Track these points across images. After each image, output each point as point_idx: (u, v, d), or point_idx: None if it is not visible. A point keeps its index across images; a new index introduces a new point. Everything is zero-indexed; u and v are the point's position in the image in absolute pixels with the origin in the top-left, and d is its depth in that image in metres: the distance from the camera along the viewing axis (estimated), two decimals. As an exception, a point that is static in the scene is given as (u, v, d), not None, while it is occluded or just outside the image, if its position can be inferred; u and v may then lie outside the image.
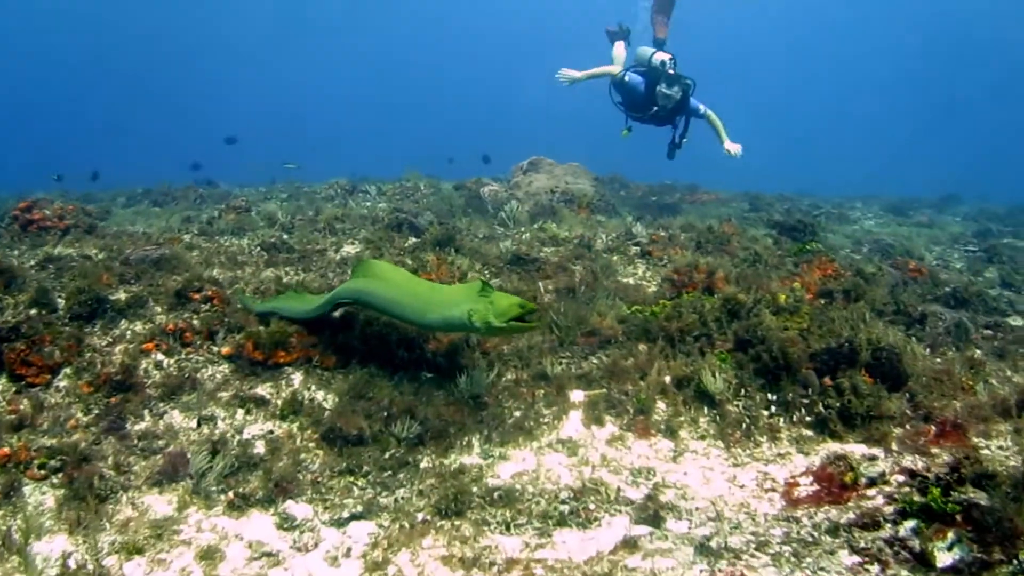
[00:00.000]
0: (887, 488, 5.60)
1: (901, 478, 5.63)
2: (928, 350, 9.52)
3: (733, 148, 12.80)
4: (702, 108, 12.78)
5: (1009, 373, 9.41)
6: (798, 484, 5.94)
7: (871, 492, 5.59)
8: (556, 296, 9.11)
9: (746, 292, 8.63)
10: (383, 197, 19.93)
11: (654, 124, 12.97)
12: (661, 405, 7.12)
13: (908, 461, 6.09)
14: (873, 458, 6.34)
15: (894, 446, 6.57)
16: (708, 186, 25.67)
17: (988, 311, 12.22)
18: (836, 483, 5.78)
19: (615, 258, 11.50)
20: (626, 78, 12.70)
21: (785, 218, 15.35)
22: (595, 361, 7.75)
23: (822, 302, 9.46)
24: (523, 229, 13.12)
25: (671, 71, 12.17)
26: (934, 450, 6.33)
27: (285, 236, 11.68)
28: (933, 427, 6.72)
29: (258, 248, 10.95)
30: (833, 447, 6.71)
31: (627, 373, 7.42)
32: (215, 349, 7.37)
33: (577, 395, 7.20)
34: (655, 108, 12.59)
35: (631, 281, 10.50)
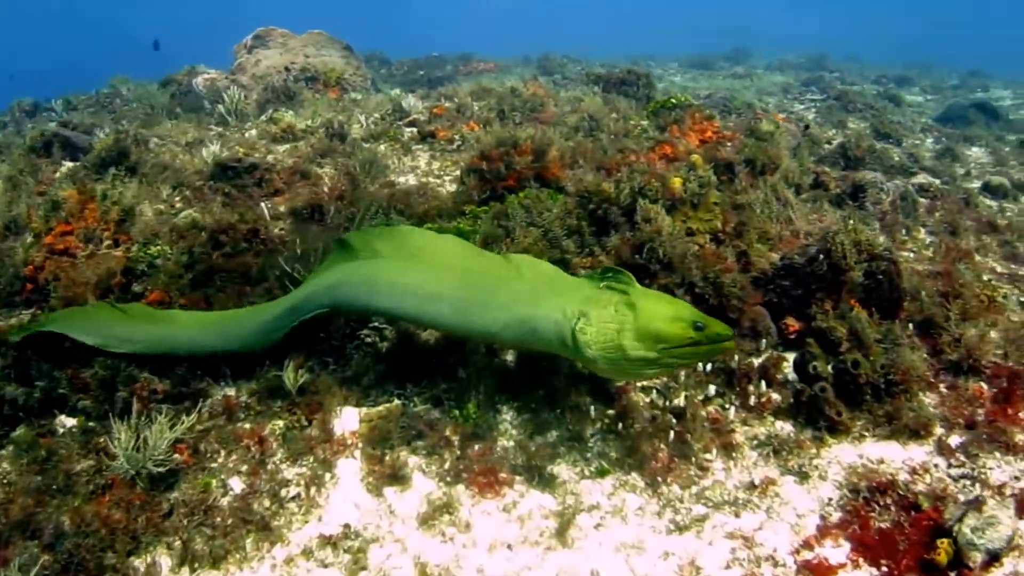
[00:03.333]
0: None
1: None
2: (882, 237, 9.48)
3: None
4: None
5: (1014, 266, 9.77)
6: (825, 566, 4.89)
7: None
8: (292, 223, 8.64)
9: (610, 180, 7.97)
10: (74, 113, 19.30)
11: None
12: (509, 416, 6.26)
13: (1002, 473, 5.53)
14: (957, 484, 5.57)
15: (952, 439, 5.97)
16: (484, 54, 28.16)
17: (889, 170, 13.17)
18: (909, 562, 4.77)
19: (383, 148, 11.32)
20: None
21: (609, 71, 15.54)
22: (369, 341, 6.89)
23: (722, 181, 9.26)
24: (249, 125, 13.57)
25: None
26: (1018, 437, 5.84)
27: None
28: (985, 385, 6.42)
29: None
30: (847, 454, 5.93)
31: (431, 361, 6.63)
32: None
33: (348, 420, 6.10)
34: None
35: (412, 180, 10.14)
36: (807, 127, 14.07)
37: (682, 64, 29.46)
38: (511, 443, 5.91)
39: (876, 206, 10.33)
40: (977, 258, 9.61)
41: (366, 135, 11.80)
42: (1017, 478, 5.40)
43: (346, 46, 18.54)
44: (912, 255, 9.28)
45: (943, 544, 4.58)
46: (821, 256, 6.79)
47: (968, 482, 5.40)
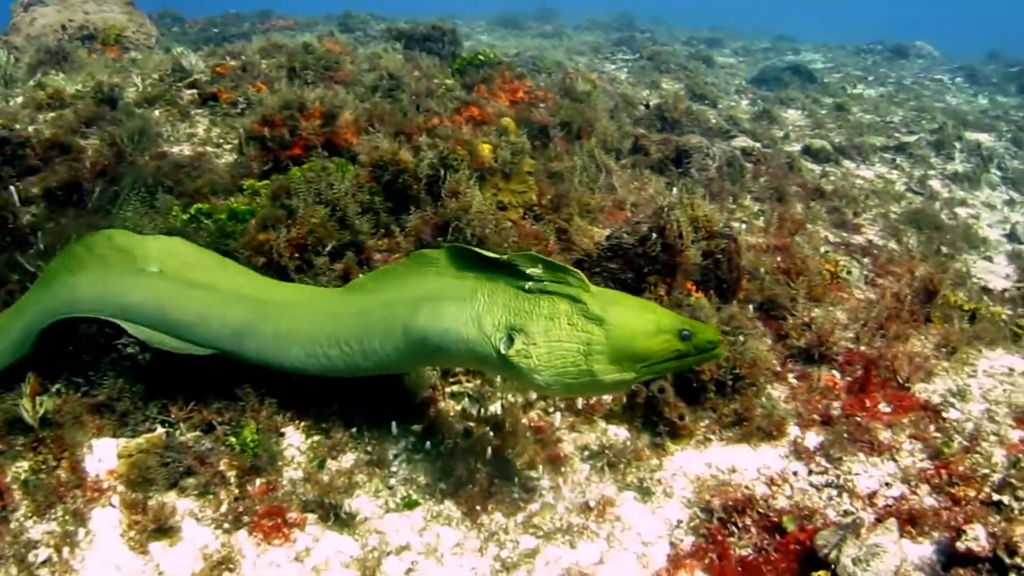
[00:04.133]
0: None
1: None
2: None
3: None
4: None
5: (845, 234, 10.07)
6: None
7: None
8: (45, 208, 7.94)
9: (409, 147, 7.58)
10: None
11: None
12: (296, 440, 5.71)
13: (869, 479, 5.40)
14: (822, 496, 5.29)
15: (809, 438, 5.78)
16: (285, 11, 27.98)
17: (707, 132, 13.12)
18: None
19: (157, 114, 10.59)
20: None
21: (412, 26, 15.25)
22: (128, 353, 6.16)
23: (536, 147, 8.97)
24: (19, 90, 12.46)
25: None
26: (882, 435, 5.79)
27: None
28: (837, 374, 6.39)
29: None
30: (693, 463, 5.62)
31: (200, 375, 5.98)
32: None
33: (104, 456, 5.50)
34: None
35: (186, 150, 9.52)
36: (647, 105, 14.01)
37: (489, 23, 29.73)
38: (300, 474, 5.37)
39: (702, 172, 10.25)
40: (808, 227, 9.62)
41: (140, 99, 11.03)
42: (888, 484, 5.16)
43: (129, 1, 18.06)
44: (743, 226, 9.10)
45: (820, 577, 4.14)
46: (654, 235, 6.47)
47: (834, 492, 5.15)
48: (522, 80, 10.50)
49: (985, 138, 17.84)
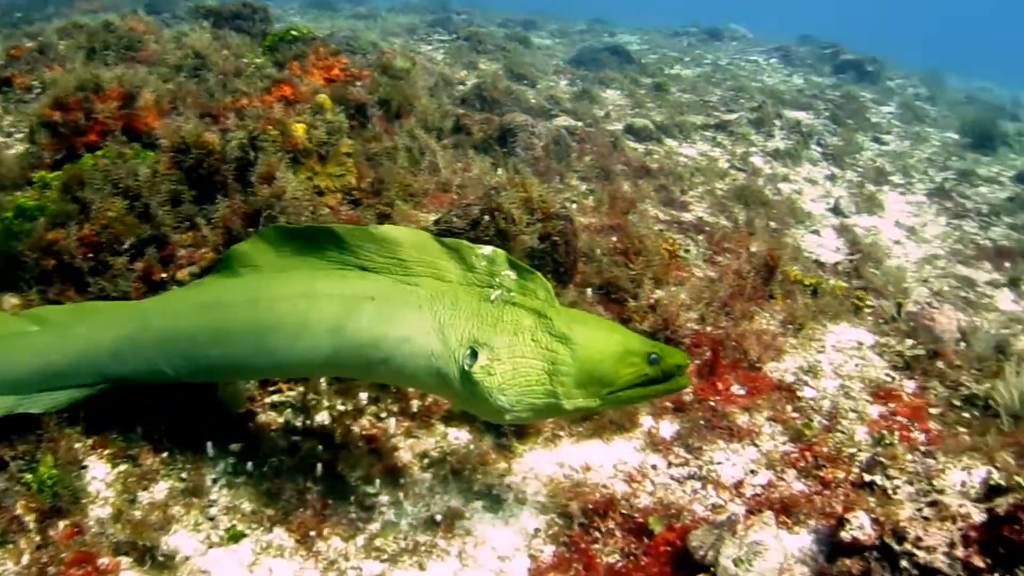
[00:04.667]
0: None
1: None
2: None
3: None
4: None
5: (675, 212, 10.06)
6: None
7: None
8: None
9: (216, 129, 7.03)
10: None
11: None
12: (100, 471, 5.04)
13: (733, 468, 5.23)
14: (686, 490, 5.05)
15: (663, 427, 5.54)
16: None
17: (527, 112, 12.68)
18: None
19: None
20: None
21: (221, 3, 14.45)
22: None
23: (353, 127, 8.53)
24: None
25: None
26: (739, 419, 5.70)
27: None
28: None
29: None
30: (544, 463, 5.25)
31: None
32: None
33: None
34: None
35: None
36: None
37: (302, 5, 28.69)
38: (108, 511, 4.79)
39: (528, 151, 9.95)
40: (639, 206, 9.54)
41: (-80, 91, 10.08)
42: (753, 471, 4.94)
43: None
44: (574, 206, 8.86)
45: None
46: (486, 218, 6.17)
47: (698, 484, 4.93)
48: (338, 57, 10.05)
49: (803, 116, 18.45)
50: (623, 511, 4.63)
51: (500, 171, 8.76)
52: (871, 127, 19.08)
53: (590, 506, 4.67)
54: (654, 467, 5.05)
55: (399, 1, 31.30)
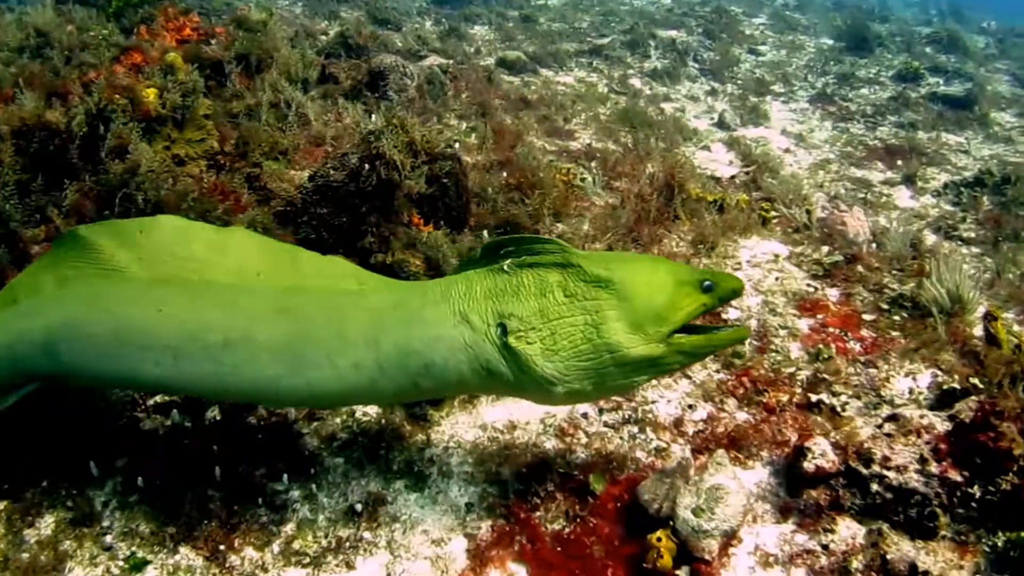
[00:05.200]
0: None
1: None
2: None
3: None
4: None
5: (561, 141, 10.01)
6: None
7: None
8: None
9: (62, 108, 6.47)
10: None
11: None
12: None
13: (669, 405, 4.93)
14: (623, 436, 4.73)
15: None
16: None
17: (396, 55, 11.94)
18: None
19: None
20: None
21: None
22: None
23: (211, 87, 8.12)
24: None
25: None
26: None
27: None
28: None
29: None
30: (464, 428, 4.89)
31: None
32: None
33: None
34: None
35: None
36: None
37: None
38: None
39: (401, 94, 9.47)
40: (525, 138, 9.14)
41: None
42: (691, 407, 4.59)
43: None
44: (457, 145, 8.40)
45: (662, 541, 3.48)
46: (366, 167, 5.64)
47: (635, 429, 4.54)
48: (189, 16, 9.44)
49: (676, 34, 18.33)
50: (560, 470, 4.24)
51: (375, 116, 8.23)
52: (746, 39, 19.06)
53: (523, 469, 4.28)
54: (585, 416, 4.67)
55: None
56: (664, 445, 4.38)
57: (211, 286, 4.01)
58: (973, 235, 8.81)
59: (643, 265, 3.94)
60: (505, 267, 3.90)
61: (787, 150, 11.85)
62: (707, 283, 3.78)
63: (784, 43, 19.22)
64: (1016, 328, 5.56)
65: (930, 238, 7.85)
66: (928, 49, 19.63)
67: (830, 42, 19.67)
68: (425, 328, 3.86)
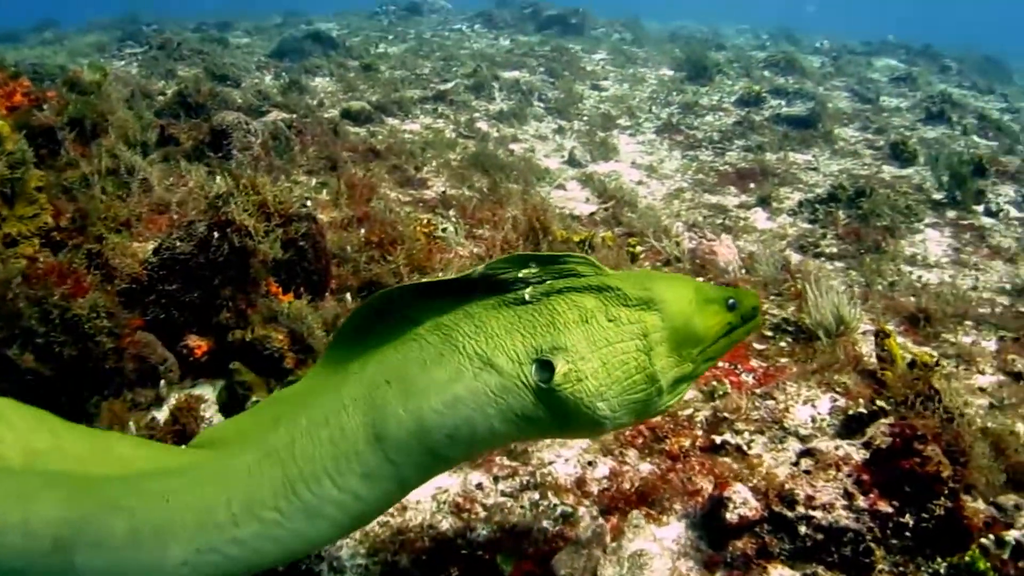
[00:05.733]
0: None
1: None
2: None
3: None
4: None
5: (415, 191, 9.91)
6: None
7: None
8: None
9: None
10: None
11: None
12: None
13: (567, 466, 4.59)
14: (520, 505, 4.37)
15: None
16: None
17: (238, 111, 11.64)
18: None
19: None
20: None
21: None
22: None
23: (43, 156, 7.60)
24: None
25: None
26: None
27: None
28: None
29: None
30: None
31: None
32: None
33: None
34: None
35: None
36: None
37: None
38: None
39: (246, 152, 9.06)
40: (380, 190, 8.86)
41: None
42: (590, 463, 4.28)
43: None
44: (310, 203, 8.04)
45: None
46: (216, 235, 5.20)
47: (535, 495, 4.17)
48: (19, 80, 8.62)
49: (519, 75, 18.40)
50: (464, 552, 3.81)
51: (219, 178, 7.83)
52: (588, 75, 19.21)
53: (423, 556, 3.84)
54: (480, 487, 4.26)
55: (84, 23, 29.68)
56: (570, 510, 4.01)
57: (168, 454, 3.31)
58: (836, 250, 8.96)
59: (676, 284, 3.63)
60: (527, 295, 3.38)
61: (640, 182, 11.87)
62: (731, 301, 3.63)
63: (626, 76, 19.49)
64: (900, 340, 5.55)
65: (794, 257, 7.89)
66: (767, 72, 20.23)
67: (671, 73, 19.98)
68: (437, 392, 3.25)
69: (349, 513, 3.25)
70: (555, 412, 3.28)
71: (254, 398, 4.64)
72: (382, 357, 3.40)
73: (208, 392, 4.96)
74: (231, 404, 4.70)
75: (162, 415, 4.75)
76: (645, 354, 3.32)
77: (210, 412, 4.81)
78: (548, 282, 3.37)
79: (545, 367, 3.27)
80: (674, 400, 3.45)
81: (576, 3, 27.08)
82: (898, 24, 39.68)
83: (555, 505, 4.06)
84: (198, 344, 5.20)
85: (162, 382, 4.93)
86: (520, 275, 3.36)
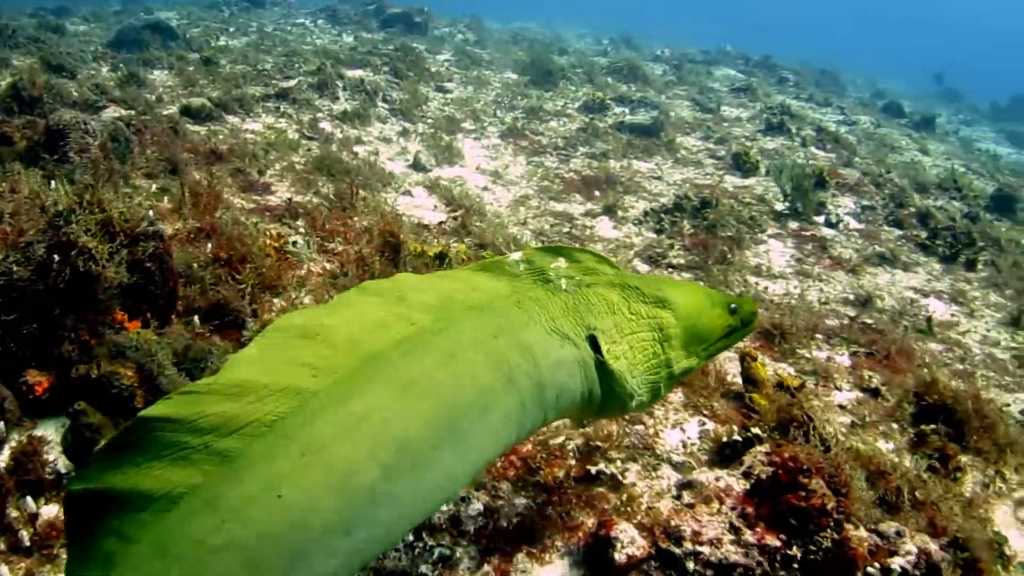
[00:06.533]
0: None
1: None
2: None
3: None
4: None
5: (259, 197, 9.30)
6: None
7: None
8: None
9: None
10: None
11: None
12: None
13: None
14: None
15: None
16: None
17: (73, 106, 10.81)
18: None
19: None
20: None
21: None
22: None
23: None
24: None
25: None
26: None
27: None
28: None
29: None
30: None
31: None
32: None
33: None
34: None
35: None
36: None
37: None
38: None
39: (84, 155, 8.42)
40: (225, 197, 8.39)
41: None
42: (464, 499, 4.11)
43: None
44: (151, 212, 7.57)
45: None
46: (56, 258, 4.74)
47: (409, 536, 3.89)
48: None
49: (363, 73, 18.00)
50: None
51: (57, 184, 7.25)
52: (432, 77, 19.01)
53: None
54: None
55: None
56: (447, 552, 3.85)
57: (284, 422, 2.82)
58: (683, 261, 9.08)
59: (687, 288, 4.17)
60: (564, 287, 3.69)
61: (485, 188, 11.76)
62: (733, 306, 4.14)
63: (471, 79, 19.38)
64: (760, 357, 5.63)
65: (643, 268, 7.92)
66: (610, 79, 20.44)
67: (515, 76, 20.02)
68: (545, 352, 3.42)
69: (483, 449, 3.20)
70: (604, 386, 3.65)
71: (103, 441, 4.24)
72: (463, 313, 3.37)
73: (51, 432, 4.49)
74: (76, 447, 4.26)
75: (2, 458, 4.32)
76: (660, 344, 3.82)
77: (53, 455, 4.32)
78: (577, 277, 3.76)
79: (594, 345, 3.61)
80: (668, 391, 4.03)
81: (419, 2, 26.90)
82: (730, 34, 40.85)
83: (431, 547, 3.88)
84: (38, 380, 4.70)
85: (0, 423, 4.49)
86: (552, 266, 3.72)
